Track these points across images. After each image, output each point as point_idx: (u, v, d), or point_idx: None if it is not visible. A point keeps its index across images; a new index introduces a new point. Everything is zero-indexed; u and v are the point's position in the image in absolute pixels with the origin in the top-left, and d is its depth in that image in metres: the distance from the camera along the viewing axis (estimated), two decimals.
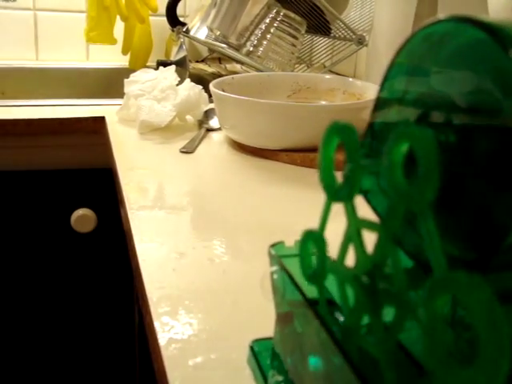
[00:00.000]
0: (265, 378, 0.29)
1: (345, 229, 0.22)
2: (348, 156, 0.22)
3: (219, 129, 0.82)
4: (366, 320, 0.21)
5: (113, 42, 1.46)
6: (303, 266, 0.25)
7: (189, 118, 0.85)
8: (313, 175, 0.64)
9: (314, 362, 0.24)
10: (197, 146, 0.74)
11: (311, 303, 0.24)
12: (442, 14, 0.20)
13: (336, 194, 0.22)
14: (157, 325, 0.34)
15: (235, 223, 0.50)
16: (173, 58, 1.34)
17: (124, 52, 1.48)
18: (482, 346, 0.15)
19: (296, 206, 0.55)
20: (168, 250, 0.44)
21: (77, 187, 0.94)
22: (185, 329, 0.34)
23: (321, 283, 0.25)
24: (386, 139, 0.20)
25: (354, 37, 1.09)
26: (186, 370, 0.30)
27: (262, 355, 0.30)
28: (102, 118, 0.88)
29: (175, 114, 0.79)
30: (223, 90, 0.76)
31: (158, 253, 0.43)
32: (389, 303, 0.20)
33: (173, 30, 1.37)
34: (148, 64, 1.49)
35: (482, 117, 0.18)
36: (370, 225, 0.20)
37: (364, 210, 0.23)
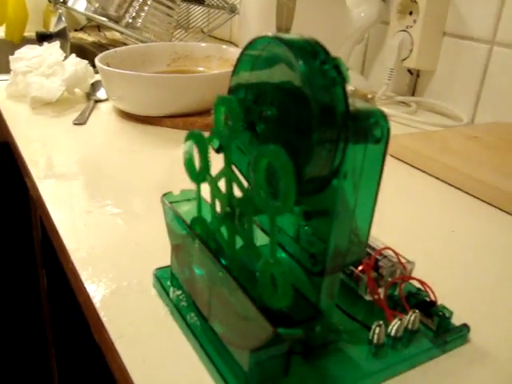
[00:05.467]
0: (167, 294, 0.39)
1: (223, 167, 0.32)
2: (232, 121, 0.32)
3: (106, 100, 0.89)
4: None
5: None
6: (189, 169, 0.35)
7: (77, 90, 0.90)
8: None
9: (198, 271, 0.34)
10: (88, 118, 0.81)
11: (195, 233, 0.35)
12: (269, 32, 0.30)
13: (220, 135, 0.32)
14: (78, 266, 0.43)
15: (127, 184, 0.59)
16: (52, 29, 1.36)
17: None
18: (280, 186, 0.26)
19: (179, 165, 0.65)
20: (78, 210, 0.52)
21: None
22: (101, 266, 0.43)
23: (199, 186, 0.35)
24: None
25: (226, 6, 1.18)
26: (105, 295, 0.39)
27: (164, 279, 0.40)
28: None
29: (64, 88, 0.85)
30: (108, 64, 0.83)
31: (70, 212, 0.51)
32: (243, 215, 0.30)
33: (50, 1, 1.38)
34: (26, 35, 1.49)
35: (290, 96, 0.29)
36: (239, 183, 0.31)
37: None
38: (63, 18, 1.30)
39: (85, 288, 0.40)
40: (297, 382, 0.32)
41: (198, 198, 0.35)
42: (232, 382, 0.31)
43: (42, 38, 1.34)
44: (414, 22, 0.92)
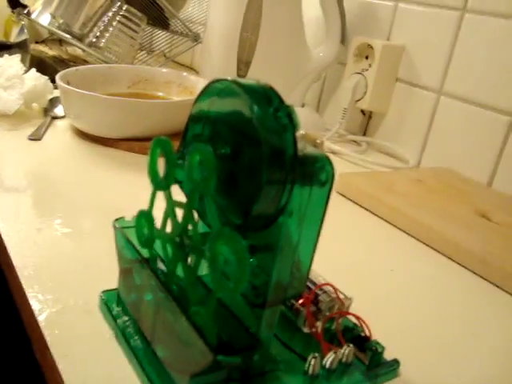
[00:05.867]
0: (113, 317, 0.39)
1: (165, 207, 0.34)
2: (166, 160, 0.33)
3: (63, 117, 0.89)
4: (179, 268, 0.33)
5: None
6: (138, 236, 0.37)
7: (34, 105, 0.90)
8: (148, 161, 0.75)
9: (148, 297, 0.35)
10: (43, 134, 0.81)
11: (144, 259, 0.36)
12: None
13: (159, 184, 0.34)
14: (24, 283, 0.43)
15: (79, 203, 0.60)
16: (13, 39, 1.35)
17: None
18: (232, 271, 0.27)
19: (132, 189, 0.66)
20: (28, 227, 0.52)
21: None
22: (48, 285, 0.43)
23: (151, 246, 0.36)
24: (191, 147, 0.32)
25: (190, 34, 1.20)
26: (50, 314, 0.40)
27: (110, 301, 0.41)
28: None
29: (22, 102, 0.85)
30: (68, 82, 0.83)
31: (20, 228, 0.52)
32: (192, 252, 0.32)
33: (13, 12, 1.37)
34: None
35: (244, 138, 0.31)
36: (179, 204, 0.32)
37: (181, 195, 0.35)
38: (25, 30, 1.29)
39: (30, 305, 0.41)
40: None
41: (151, 205, 0.36)
42: None
43: (2, 47, 1.33)
44: (370, 66, 0.96)
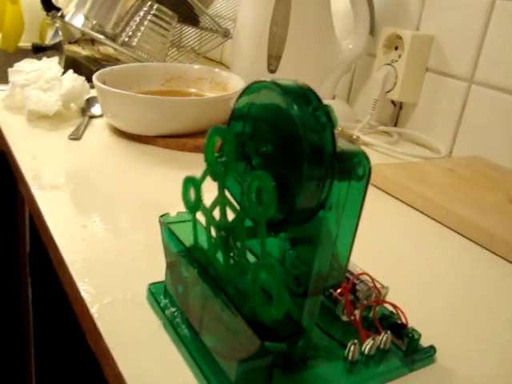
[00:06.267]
0: (161, 308, 0.42)
1: (216, 196, 0.35)
2: (224, 149, 0.35)
3: (101, 116, 0.92)
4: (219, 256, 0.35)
5: None
6: (185, 199, 0.38)
7: (72, 105, 0.93)
8: (184, 157, 0.78)
9: (195, 289, 0.37)
10: (83, 133, 0.84)
11: (189, 251, 0.38)
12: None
13: (214, 171, 0.35)
14: (75, 277, 0.45)
15: (120, 200, 0.62)
16: (48, 41, 1.38)
17: None
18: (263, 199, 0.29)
19: (170, 184, 0.68)
20: (75, 224, 0.55)
21: None
22: (97, 279, 0.46)
23: (194, 218, 0.38)
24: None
25: (220, 29, 1.22)
26: (101, 306, 0.42)
27: (157, 294, 0.43)
28: None
29: (61, 103, 0.87)
30: (104, 82, 0.86)
31: (67, 226, 0.54)
32: (236, 252, 0.34)
33: (48, 15, 1.41)
34: (21, 45, 1.51)
35: (284, 136, 0.32)
36: (231, 206, 0.34)
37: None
38: (60, 32, 1.33)
39: (82, 298, 0.43)
40: None
41: (194, 226, 0.38)
42: None
43: (38, 49, 1.37)
44: (399, 56, 0.97)
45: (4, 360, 1.20)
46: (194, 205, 0.37)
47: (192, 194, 0.37)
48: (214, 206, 0.36)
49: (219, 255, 0.35)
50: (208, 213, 0.37)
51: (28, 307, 1.08)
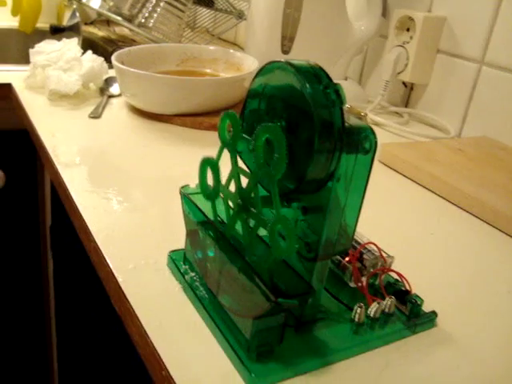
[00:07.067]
0: (181, 273, 0.45)
1: (230, 169, 0.38)
2: (233, 129, 0.38)
3: (119, 95, 0.95)
4: (238, 225, 0.38)
5: (2, 3, 1.49)
6: (202, 184, 0.41)
7: (91, 85, 0.96)
8: (201, 135, 0.81)
9: (210, 253, 0.40)
10: (102, 112, 0.87)
11: (208, 219, 0.41)
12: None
13: (226, 143, 0.38)
14: (100, 244, 0.49)
15: (141, 175, 0.65)
16: (65, 23, 1.41)
17: (13, 13, 1.52)
18: (275, 155, 0.32)
19: (187, 160, 0.71)
20: (97, 197, 0.58)
21: None
22: (120, 246, 0.49)
23: (215, 197, 0.41)
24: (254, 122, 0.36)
25: (234, 11, 1.24)
26: (125, 271, 0.45)
27: (177, 260, 0.46)
28: (9, 85, 0.97)
29: (81, 83, 0.90)
30: (122, 62, 0.88)
31: (90, 199, 0.57)
32: (253, 218, 0.37)
33: None
34: (39, 26, 1.54)
35: (297, 112, 0.35)
36: (244, 172, 0.37)
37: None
38: (77, 14, 1.35)
39: (107, 263, 0.46)
40: (288, 350, 0.38)
41: (214, 211, 0.41)
42: (235, 346, 0.37)
43: (56, 30, 1.40)
44: (411, 38, 0.98)
45: (25, 333, 1.25)
46: (212, 191, 0.40)
47: (210, 179, 0.40)
48: (230, 179, 0.39)
49: (238, 226, 0.38)
50: (225, 189, 0.39)
51: (48, 280, 1.13)
